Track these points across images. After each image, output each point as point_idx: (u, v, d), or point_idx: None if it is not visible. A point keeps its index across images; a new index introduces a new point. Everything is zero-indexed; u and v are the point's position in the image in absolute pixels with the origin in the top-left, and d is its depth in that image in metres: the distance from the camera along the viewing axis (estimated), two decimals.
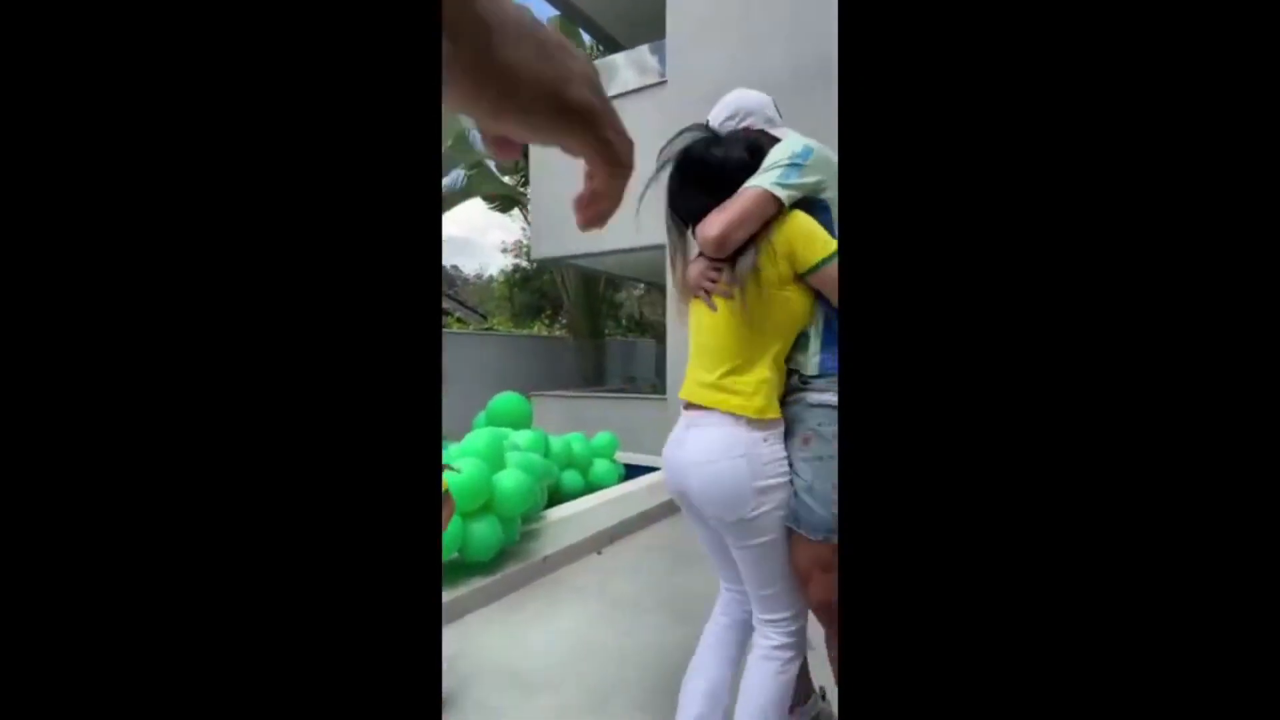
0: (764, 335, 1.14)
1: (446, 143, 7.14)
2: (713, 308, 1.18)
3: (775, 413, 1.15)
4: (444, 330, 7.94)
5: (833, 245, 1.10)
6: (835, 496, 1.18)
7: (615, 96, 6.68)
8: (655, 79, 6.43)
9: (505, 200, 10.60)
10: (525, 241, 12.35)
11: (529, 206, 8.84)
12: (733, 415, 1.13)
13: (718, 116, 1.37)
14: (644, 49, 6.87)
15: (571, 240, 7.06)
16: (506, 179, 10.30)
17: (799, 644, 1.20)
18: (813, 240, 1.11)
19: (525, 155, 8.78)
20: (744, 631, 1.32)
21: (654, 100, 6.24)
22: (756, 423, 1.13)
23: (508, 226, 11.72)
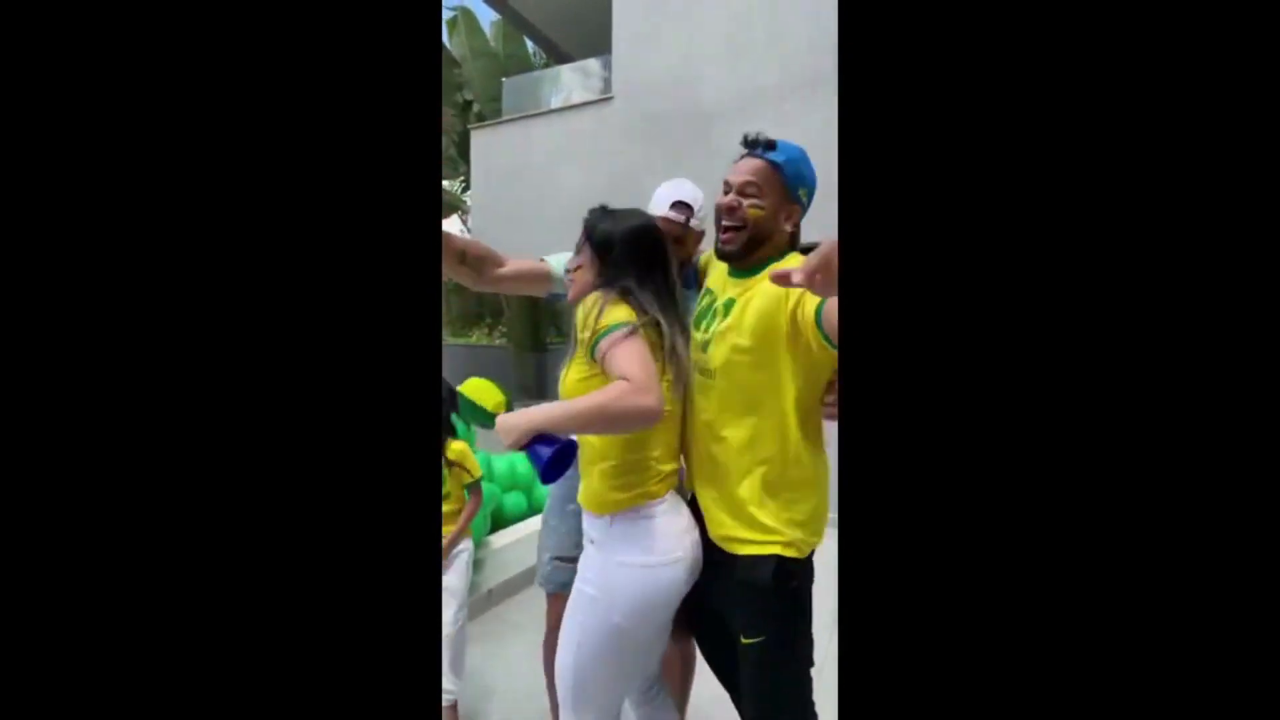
0: None
1: None
2: None
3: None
4: None
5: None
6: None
7: (561, 110, 6.62)
8: (601, 92, 6.42)
9: (445, 207, 10.29)
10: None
11: (469, 213, 8.61)
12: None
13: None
14: (591, 61, 6.86)
15: (513, 249, 6.91)
16: (447, 185, 10.00)
17: None
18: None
19: (466, 160, 8.54)
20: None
21: (600, 114, 6.22)
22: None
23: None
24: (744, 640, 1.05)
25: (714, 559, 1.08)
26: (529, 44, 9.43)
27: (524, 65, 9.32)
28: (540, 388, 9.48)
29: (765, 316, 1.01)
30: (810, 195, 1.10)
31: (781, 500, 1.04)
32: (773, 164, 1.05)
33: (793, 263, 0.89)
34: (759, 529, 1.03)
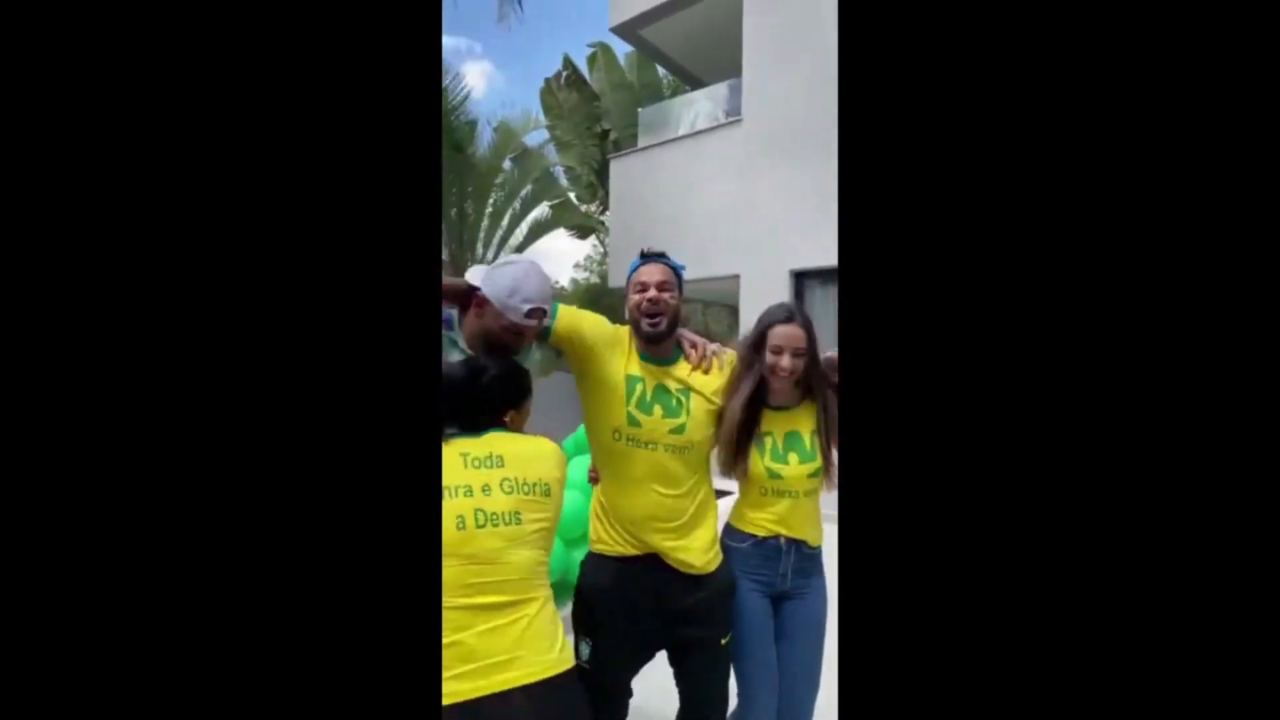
0: None
1: (532, 179, 7.68)
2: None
3: None
4: None
5: None
6: None
7: (691, 135, 6.95)
8: (731, 116, 6.64)
9: (584, 229, 11.14)
10: (595, 258, 12.87)
11: (607, 233, 9.28)
12: None
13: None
14: (721, 86, 7.11)
15: None
16: (586, 208, 10.83)
17: None
18: None
19: (605, 186, 9.21)
20: None
21: (730, 136, 6.45)
22: None
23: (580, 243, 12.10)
24: (723, 642, 1.34)
25: (681, 588, 1.30)
26: (661, 71, 9.91)
27: (656, 92, 9.81)
28: None
29: (721, 398, 1.36)
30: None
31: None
32: (672, 268, 1.36)
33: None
34: (717, 550, 1.37)
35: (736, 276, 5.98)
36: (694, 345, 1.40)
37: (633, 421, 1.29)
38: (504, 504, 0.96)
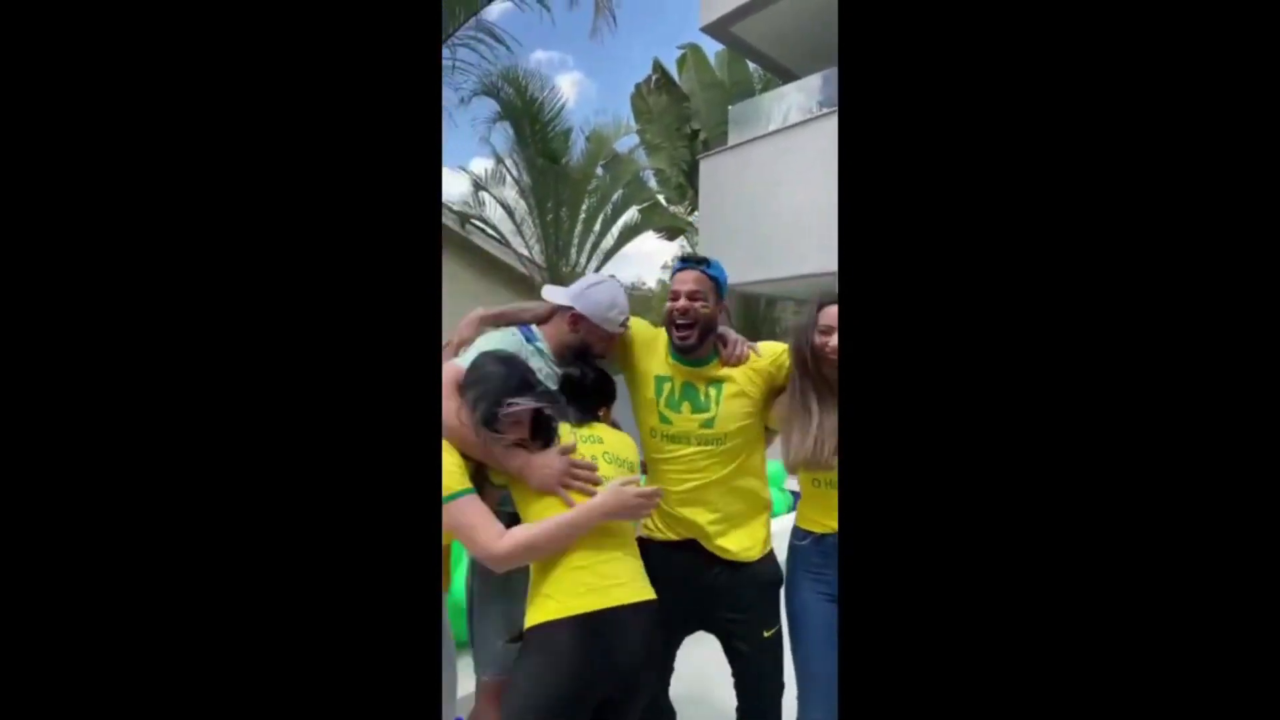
0: None
1: (622, 183, 7.88)
2: None
3: None
4: None
5: (448, 489, 1.10)
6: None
7: (781, 130, 6.81)
8: (826, 108, 6.43)
9: (674, 230, 11.23)
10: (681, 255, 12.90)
11: (697, 234, 9.31)
12: None
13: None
14: (814, 77, 6.90)
15: (733, 269, 7.29)
16: (675, 210, 10.91)
17: None
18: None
19: (694, 187, 9.24)
20: None
21: (822, 129, 6.25)
22: None
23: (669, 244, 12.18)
24: (765, 634, 1.38)
25: (715, 571, 1.35)
26: (752, 68, 9.77)
27: (748, 89, 9.69)
28: None
29: (762, 390, 1.39)
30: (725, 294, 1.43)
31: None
32: (710, 275, 1.38)
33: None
34: (762, 543, 1.41)
35: (832, 274, 5.76)
36: (724, 342, 1.42)
37: (664, 419, 1.39)
38: (608, 471, 1.22)
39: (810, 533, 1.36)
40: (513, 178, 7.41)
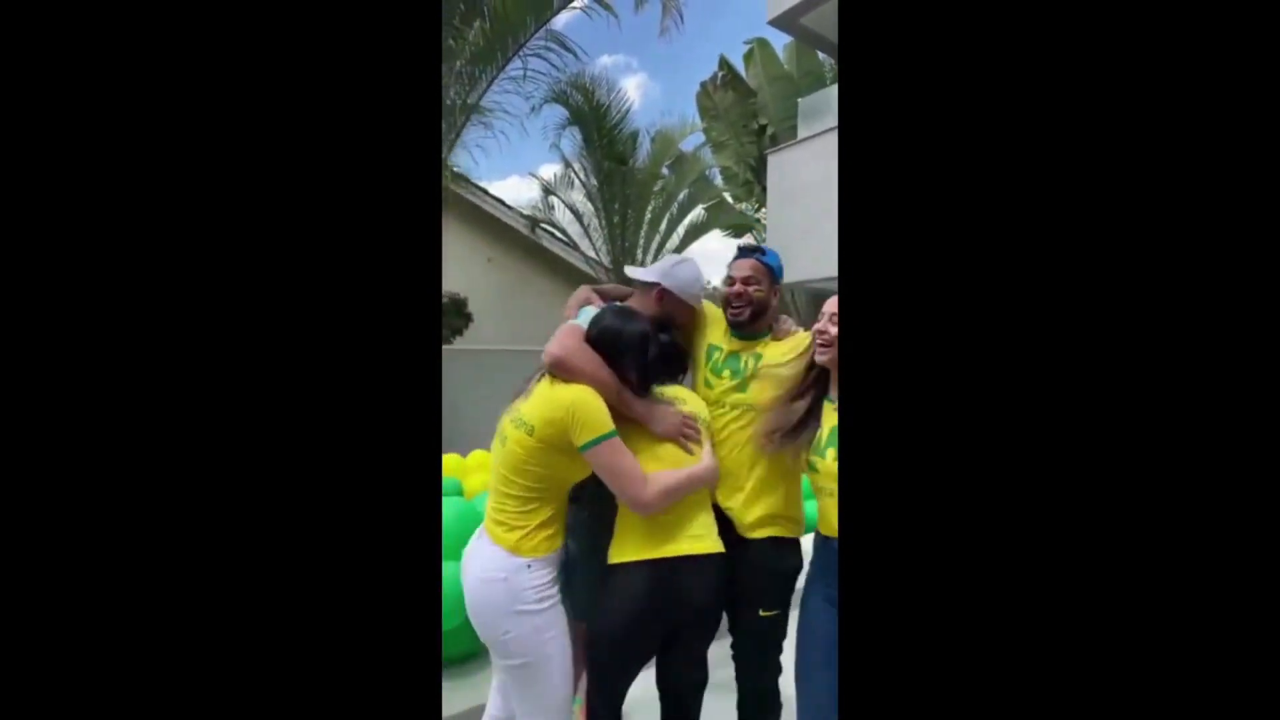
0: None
1: (688, 182, 7.86)
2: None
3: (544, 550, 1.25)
4: None
5: (604, 428, 1.19)
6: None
7: None
8: None
9: (740, 228, 11.09)
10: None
11: (764, 231, 9.16)
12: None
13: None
14: None
15: (802, 265, 7.11)
16: (742, 207, 10.77)
17: None
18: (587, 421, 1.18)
19: (762, 184, 9.09)
20: None
21: None
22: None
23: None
24: (762, 613, 1.41)
25: (729, 544, 1.36)
26: (821, 58, 9.48)
27: (819, 80, 9.42)
28: None
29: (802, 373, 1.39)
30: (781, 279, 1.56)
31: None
32: (765, 263, 1.50)
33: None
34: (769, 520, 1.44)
35: None
36: (777, 324, 1.55)
37: (707, 384, 1.52)
38: None
39: (818, 532, 1.34)
40: (580, 181, 7.58)
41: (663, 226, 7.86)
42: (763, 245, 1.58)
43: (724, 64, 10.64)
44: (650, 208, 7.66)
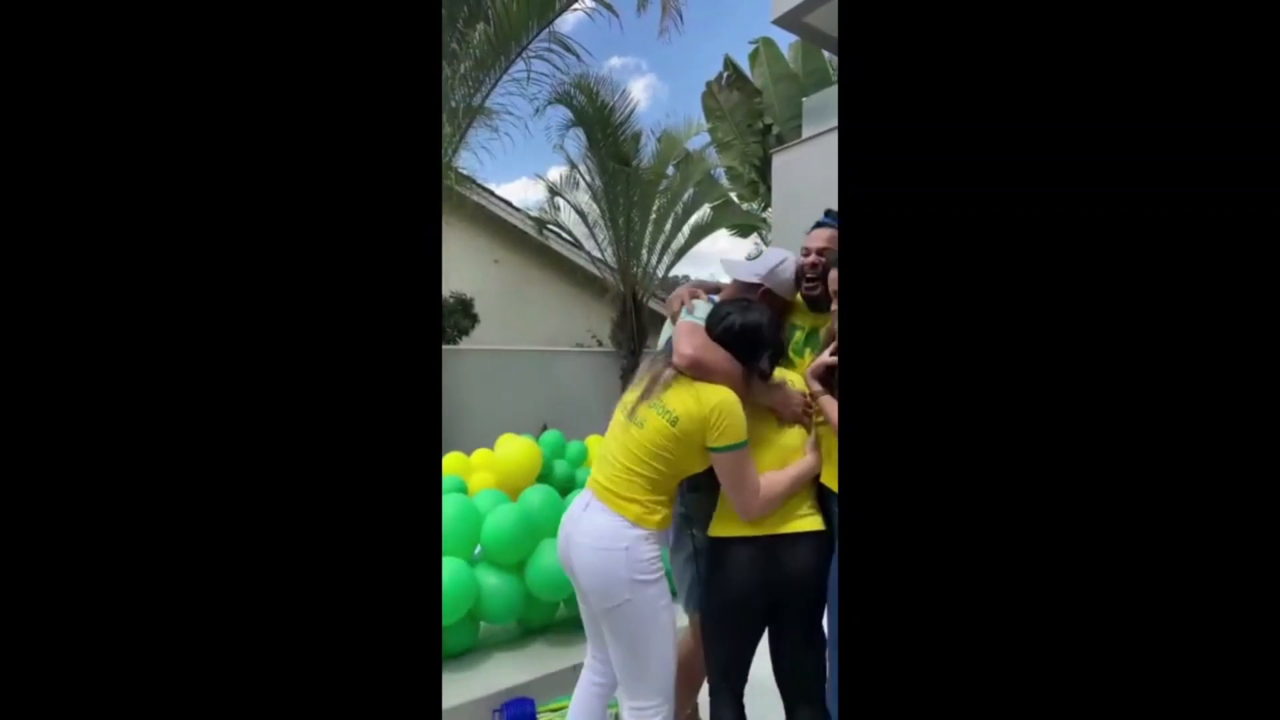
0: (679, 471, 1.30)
1: (693, 182, 7.86)
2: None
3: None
4: None
5: (740, 437, 1.24)
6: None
7: None
8: None
9: (745, 227, 11.07)
10: (755, 255, 12.70)
11: (769, 229, 9.14)
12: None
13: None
14: None
15: None
16: (747, 207, 10.75)
17: None
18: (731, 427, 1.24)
19: (767, 183, 9.07)
20: (611, 692, 1.41)
21: None
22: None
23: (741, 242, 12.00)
24: None
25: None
26: (827, 56, 9.45)
27: (825, 79, 9.39)
28: None
29: None
30: None
31: None
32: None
33: None
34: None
35: None
36: None
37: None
38: None
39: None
40: (585, 182, 7.59)
41: (668, 226, 7.86)
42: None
43: (729, 64, 10.63)
44: (656, 207, 7.67)
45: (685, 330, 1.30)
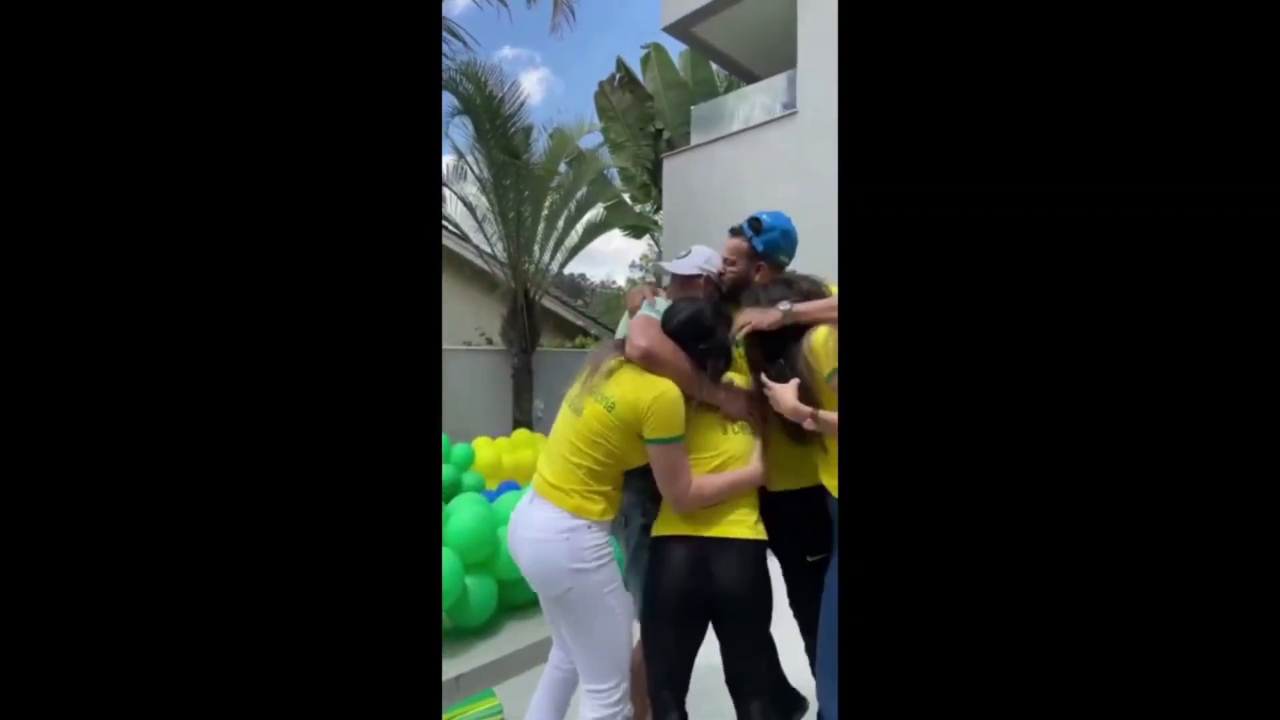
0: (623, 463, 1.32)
1: (586, 181, 7.81)
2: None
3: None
4: (584, 349, 8.62)
5: (675, 431, 1.26)
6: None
7: (746, 129, 6.87)
8: (786, 108, 6.52)
9: (638, 228, 11.22)
10: (651, 256, 12.95)
11: (661, 232, 9.32)
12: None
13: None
14: (777, 79, 6.99)
15: None
16: (640, 208, 10.90)
17: (618, 713, 1.32)
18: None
19: (658, 186, 9.25)
20: (573, 683, 1.45)
21: (786, 129, 6.33)
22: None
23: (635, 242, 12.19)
24: (809, 559, 1.42)
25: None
26: (715, 68, 9.85)
27: (711, 90, 9.76)
28: None
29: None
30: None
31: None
32: (749, 242, 1.57)
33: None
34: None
35: (794, 271, 5.84)
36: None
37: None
38: None
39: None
40: (474, 174, 7.25)
41: (560, 224, 7.73)
42: (760, 216, 1.61)
43: (621, 66, 10.72)
44: (548, 204, 7.50)
45: (641, 324, 1.33)
